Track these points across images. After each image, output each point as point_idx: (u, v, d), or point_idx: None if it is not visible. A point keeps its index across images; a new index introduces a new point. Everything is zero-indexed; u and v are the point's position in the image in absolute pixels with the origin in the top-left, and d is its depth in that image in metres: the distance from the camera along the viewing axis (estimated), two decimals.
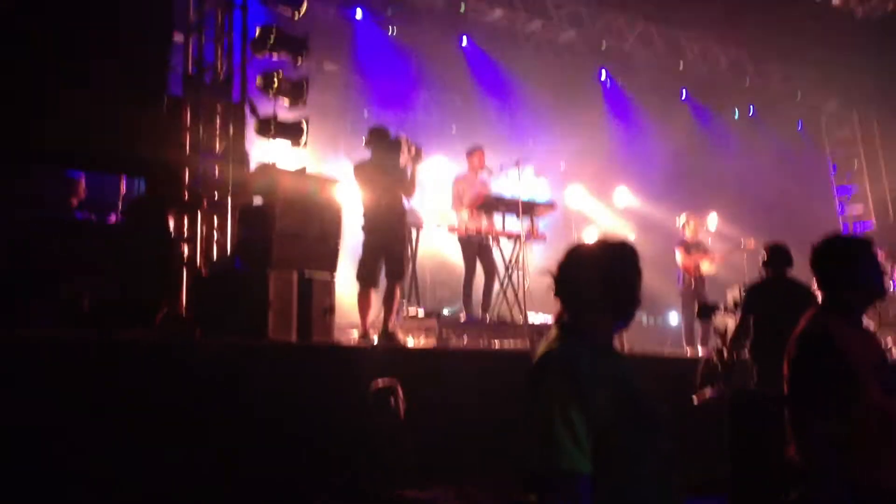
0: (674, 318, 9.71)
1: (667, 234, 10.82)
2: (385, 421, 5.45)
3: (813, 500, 3.06)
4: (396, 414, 5.49)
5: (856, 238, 3.69)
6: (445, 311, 9.97)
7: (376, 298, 7.58)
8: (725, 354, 6.47)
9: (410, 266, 8.91)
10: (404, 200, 7.66)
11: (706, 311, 9.23)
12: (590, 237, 12.36)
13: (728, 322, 8.87)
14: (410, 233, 8.88)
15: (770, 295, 6.35)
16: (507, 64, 12.75)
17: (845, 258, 3.35)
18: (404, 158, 7.57)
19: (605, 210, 13.63)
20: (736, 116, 14.27)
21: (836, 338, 3.15)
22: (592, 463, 2.30)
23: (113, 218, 7.79)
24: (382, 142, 7.64)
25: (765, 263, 6.52)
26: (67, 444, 4.58)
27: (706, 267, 10.43)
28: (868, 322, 10.05)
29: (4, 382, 4.55)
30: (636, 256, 2.61)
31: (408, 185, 7.59)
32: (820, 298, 3.40)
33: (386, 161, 7.54)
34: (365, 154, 7.80)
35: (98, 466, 4.61)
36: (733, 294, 9.27)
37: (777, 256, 6.47)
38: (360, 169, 7.57)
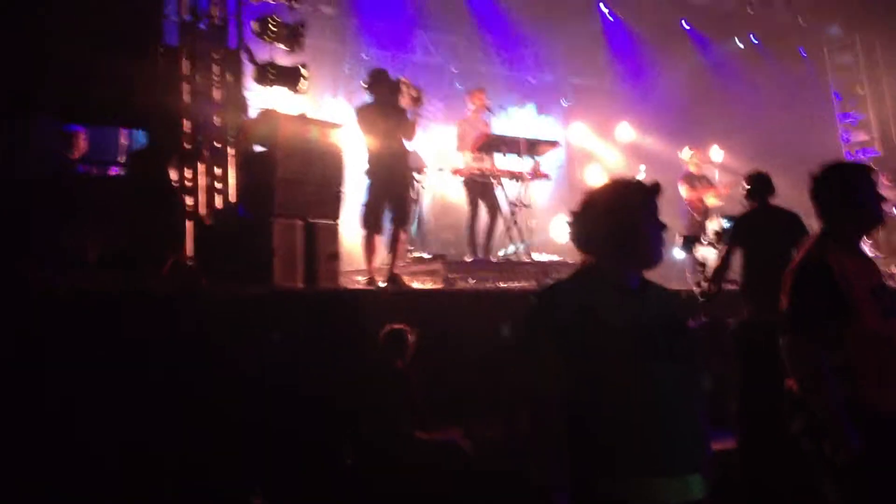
0: (679, 253, 9.68)
1: (670, 169, 10.75)
2: (395, 364, 5.51)
3: (814, 429, 3.09)
4: (406, 355, 5.55)
5: (853, 164, 3.68)
6: (446, 251, 9.99)
7: (381, 243, 7.59)
8: (707, 286, 6.48)
9: (415, 209, 8.90)
10: (406, 144, 7.62)
11: (687, 244, 9.24)
12: (593, 175, 12.37)
13: (708, 254, 8.88)
14: (413, 176, 8.85)
15: (755, 225, 6.27)
16: (506, 1, 12.54)
17: (843, 185, 3.35)
18: (405, 101, 7.52)
19: (609, 147, 13.54)
20: (739, 46, 14.07)
21: (833, 266, 3.16)
22: (576, 388, 2.41)
23: (114, 171, 7.78)
24: (383, 85, 7.58)
25: (748, 193, 6.39)
26: (75, 391, 4.65)
27: (711, 200, 10.39)
28: (873, 250, 10.05)
29: (13, 332, 4.60)
30: (644, 197, 2.60)
31: (409, 128, 7.55)
32: (818, 226, 3.40)
33: (387, 104, 7.48)
34: (365, 98, 7.74)
35: (105, 415, 4.68)
36: (713, 226, 9.26)
37: (759, 185, 6.35)
38: (361, 113, 7.52)
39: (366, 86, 7.73)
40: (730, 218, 6.94)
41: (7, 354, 4.53)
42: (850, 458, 2.97)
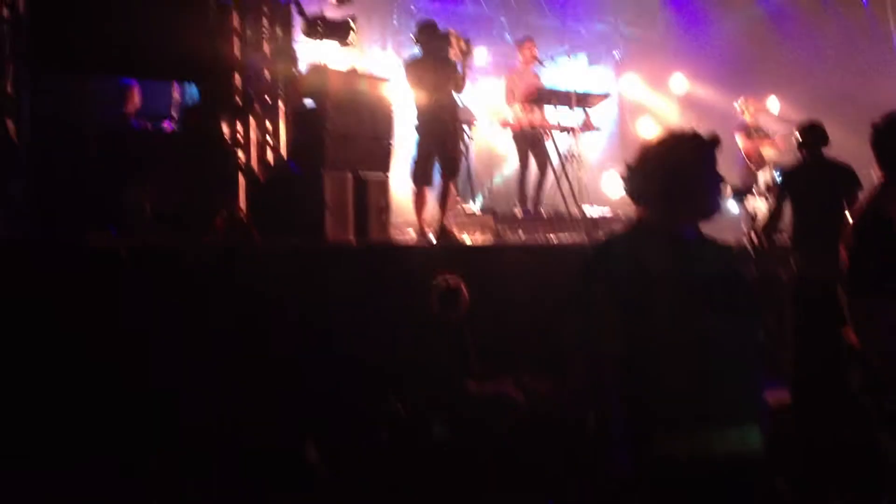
0: (733, 206, 9.54)
1: (725, 120, 10.53)
2: (450, 317, 5.53)
3: (875, 385, 3.06)
4: (460, 309, 5.56)
5: None
6: (495, 204, 9.95)
7: (431, 196, 7.59)
8: (756, 239, 6.37)
9: (464, 162, 8.86)
10: (455, 96, 7.57)
11: (738, 195, 9.07)
12: (646, 127, 12.19)
13: (760, 206, 8.71)
14: (463, 129, 8.80)
15: (807, 177, 6.13)
16: None
17: None
18: (454, 53, 7.45)
19: (662, 98, 13.30)
20: None
21: (894, 218, 3.08)
22: (631, 341, 2.41)
23: (167, 125, 7.87)
24: (431, 37, 7.51)
25: (800, 145, 6.24)
26: (136, 347, 4.77)
27: (768, 152, 10.15)
28: None
29: (74, 290, 4.72)
30: (701, 150, 2.56)
31: (458, 81, 7.49)
32: (879, 176, 3.31)
33: (436, 57, 7.42)
34: (414, 51, 7.69)
35: (166, 368, 4.79)
36: (765, 177, 9.06)
37: (811, 136, 6.18)
38: (410, 66, 7.47)
39: (414, 39, 7.67)
40: (782, 170, 6.78)
41: (69, 314, 4.65)
42: None
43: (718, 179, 2.58)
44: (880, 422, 3.08)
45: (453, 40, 7.44)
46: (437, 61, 7.40)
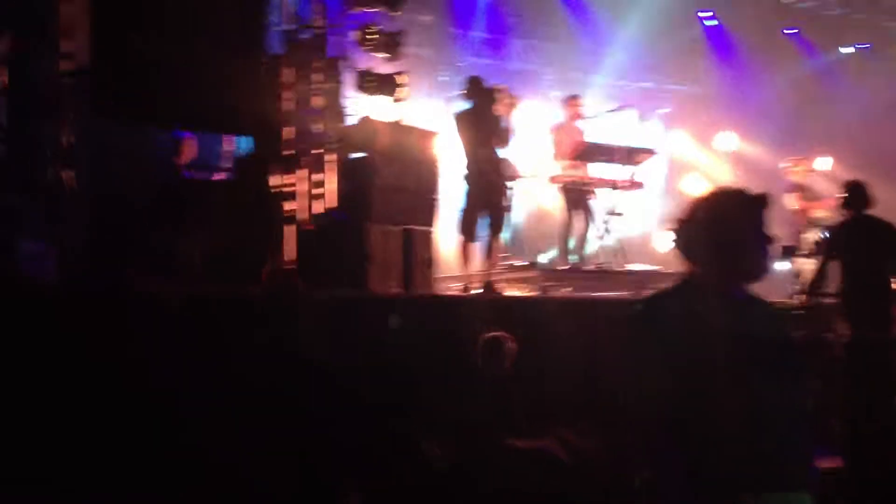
0: (781, 265, 9.39)
1: (773, 179, 10.43)
2: (495, 371, 5.49)
3: None
4: (505, 363, 5.52)
5: None
6: (540, 259, 9.93)
7: (476, 250, 7.61)
8: (803, 298, 6.28)
9: (509, 216, 8.87)
10: (500, 151, 7.62)
11: (786, 254, 8.93)
12: (692, 184, 12.12)
13: (805, 265, 8.56)
14: (508, 183, 8.83)
15: (852, 235, 6.08)
16: (603, 6, 12.41)
17: None
18: (501, 108, 7.52)
19: (709, 155, 13.24)
20: (845, 52, 13.58)
21: None
22: (678, 400, 2.33)
23: (218, 176, 8.01)
24: (479, 91, 7.59)
25: (844, 203, 6.20)
26: (179, 394, 4.80)
27: (819, 213, 9.99)
28: None
29: (125, 341, 4.79)
30: (751, 208, 2.51)
31: (504, 135, 7.55)
32: None
33: (483, 111, 7.50)
34: (463, 104, 7.78)
35: (207, 419, 4.81)
36: (811, 236, 8.92)
37: (856, 195, 6.15)
38: (460, 119, 7.55)
39: (463, 92, 7.76)
40: (829, 229, 6.71)
41: (115, 358, 4.71)
42: None
43: (767, 240, 2.53)
44: None
45: (502, 95, 7.52)
46: (484, 115, 7.47)
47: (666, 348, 2.39)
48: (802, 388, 2.50)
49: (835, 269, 6.09)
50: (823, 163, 10.75)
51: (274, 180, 6.53)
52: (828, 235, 6.40)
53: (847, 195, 6.20)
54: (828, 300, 6.22)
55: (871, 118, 12.35)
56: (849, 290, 5.92)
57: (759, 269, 2.51)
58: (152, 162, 7.22)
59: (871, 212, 6.13)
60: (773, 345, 2.46)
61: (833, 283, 6.13)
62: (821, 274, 6.10)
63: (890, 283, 5.97)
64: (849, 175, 10.64)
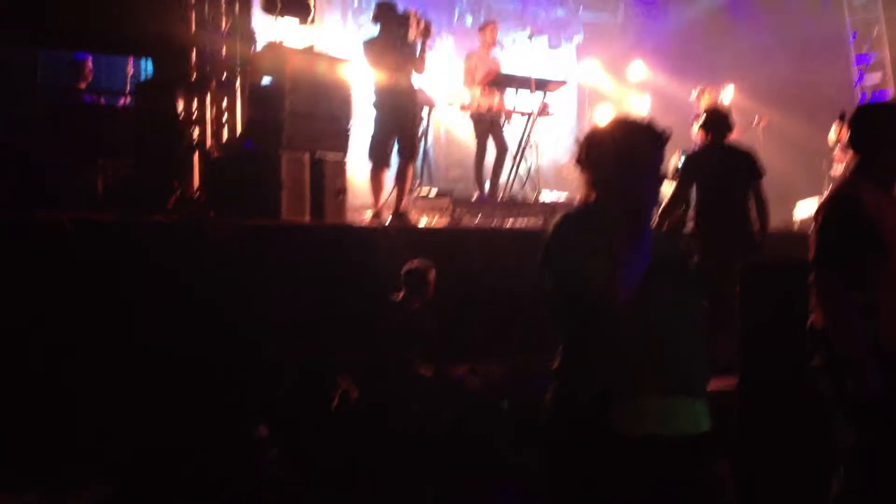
0: None
1: (682, 109, 10.62)
2: (413, 301, 5.51)
3: (834, 367, 3.08)
4: (426, 295, 5.55)
5: (890, 104, 3.62)
6: (454, 188, 9.96)
7: (388, 178, 7.57)
8: (656, 221, 6.37)
9: (422, 145, 8.84)
10: (414, 78, 7.54)
11: None
12: (603, 114, 12.24)
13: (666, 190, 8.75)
14: (422, 111, 8.78)
15: (710, 161, 6.12)
16: None
17: (879, 122, 3.31)
18: (413, 33, 7.40)
19: (620, 85, 13.37)
20: None
21: (867, 203, 3.12)
22: (585, 315, 2.43)
23: (121, 101, 7.74)
24: (390, 18, 7.45)
25: (703, 129, 6.21)
26: (79, 323, 4.71)
27: None
28: None
29: (21, 263, 4.63)
30: (650, 146, 2.56)
31: (418, 62, 7.45)
32: (854, 164, 3.36)
33: (395, 37, 7.37)
34: (373, 31, 7.64)
35: (109, 346, 4.73)
36: (674, 162, 9.14)
37: (716, 121, 6.19)
38: (369, 46, 7.41)
39: (373, 18, 7.61)
40: (685, 154, 6.74)
41: (12, 287, 4.57)
42: (870, 397, 2.96)
43: (660, 179, 2.60)
44: (837, 405, 3.11)
45: (413, 21, 7.39)
46: (395, 42, 7.34)
47: (570, 267, 2.45)
48: (698, 307, 2.60)
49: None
50: (728, 92, 10.98)
51: (178, 106, 6.34)
52: (685, 160, 6.45)
53: (706, 121, 6.21)
54: (684, 225, 6.27)
55: (776, 49, 12.63)
56: (706, 214, 5.99)
57: (647, 208, 2.58)
58: (50, 86, 6.91)
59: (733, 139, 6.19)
60: (669, 268, 2.54)
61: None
62: (674, 199, 6.07)
63: (747, 208, 6.06)
64: (753, 104, 10.98)
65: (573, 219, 2.61)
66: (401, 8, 7.58)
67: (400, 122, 7.31)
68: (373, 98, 7.35)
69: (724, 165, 6.03)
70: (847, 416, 3.11)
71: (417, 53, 7.43)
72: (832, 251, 3.12)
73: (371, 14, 7.74)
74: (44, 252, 4.77)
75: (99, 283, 4.82)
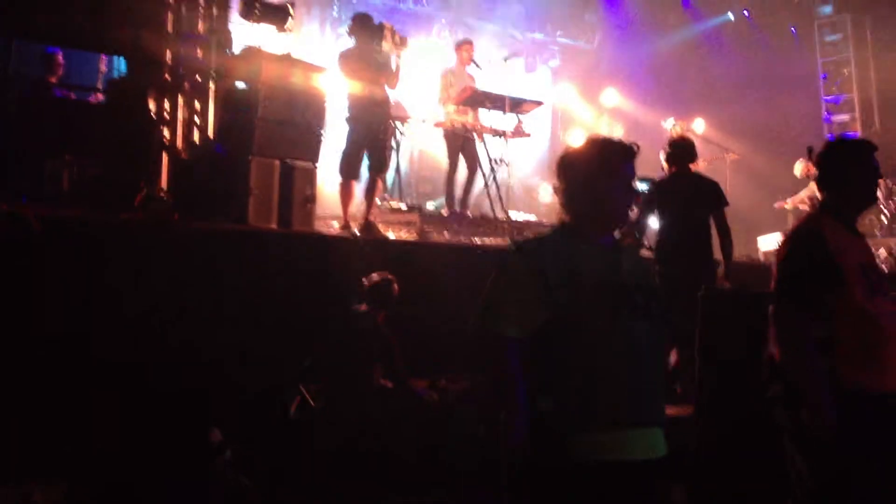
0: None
1: (653, 136, 10.74)
2: (377, 314, 5.49)
3: (790, 399, 3.11)
4: (389, 308, 5.53)
5: (857, 141, 3.68)
6: (429, 206, 9.97)
7: (357, 190, 7.56)
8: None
9: (393, 159, 8.84)
10: (388, 91, 7.55)
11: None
12: (576, 137, 12.34)
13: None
14: (394, 125, 8.78)
15: (672, 190, 6.21)
16: None
17: (844, 159, 3.36)
18: (388, 47, 7.42)
19: (593, 110, 13.49)
20: (731, 19, 14.03)
21: (828, 237, 3.17)
22: (554, 338, 2.47)
23: (93, 98, 7.66)
24: (366, 30, 7.46)
25: (668, 159, 6.28)
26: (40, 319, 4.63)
27: None
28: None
29: None
30: (621, 162, 2.61)
31: (391, 76, 7.47)
32: (818, 199, 3.41)
33: (369, 50, 7.39)
34: (348, 43, 7.64)
35: (71, 344, 4.66)
36: (640, 187, 9.20)
37: (681, 151, 6.27)
38: (344, 58, 7.42)
39: (349, 30, 7.62)
40: (650, 181, 6.79)
41: None
42: (825, 431, 2.98)
43: (633, 194, 2.64)
44: (792, 436, 3.13)
45: (388, 34, 7.41)
46: (370, 54, 7.36)
47: (545, 285, 2.48)
48: (663, 332, 2.63)
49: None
50: (699, 125, 11.13)
51: (150, 106, 6.28)
52: (650, 187, 6.51)
53: (671, 151, 6.28)
54: (644, 251, 6.34)
55: (743, 87, 12.83)
56: (666, 242, 6.10)
57: (623, 216, 2.62)
58: (21, 78, 6.82)
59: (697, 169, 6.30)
60: (639, 290, 2.57)
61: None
62: (634, 225, 6.14)
63: (709, 237, 6.17)
64: (723, 138, 11.12)
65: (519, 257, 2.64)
66: (377, 21, 7.60)
67: (372, 135, 7.31)
68: (346, 111, 7.34)
69: (688, 193, 6.11)
70: (801, 447, 3.13)
71: (393, 67, 7.45)
72: (792, 284, 3.16)
73: (347, 26, 7.74)
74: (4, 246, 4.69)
75: (54, 280, 4.74)
